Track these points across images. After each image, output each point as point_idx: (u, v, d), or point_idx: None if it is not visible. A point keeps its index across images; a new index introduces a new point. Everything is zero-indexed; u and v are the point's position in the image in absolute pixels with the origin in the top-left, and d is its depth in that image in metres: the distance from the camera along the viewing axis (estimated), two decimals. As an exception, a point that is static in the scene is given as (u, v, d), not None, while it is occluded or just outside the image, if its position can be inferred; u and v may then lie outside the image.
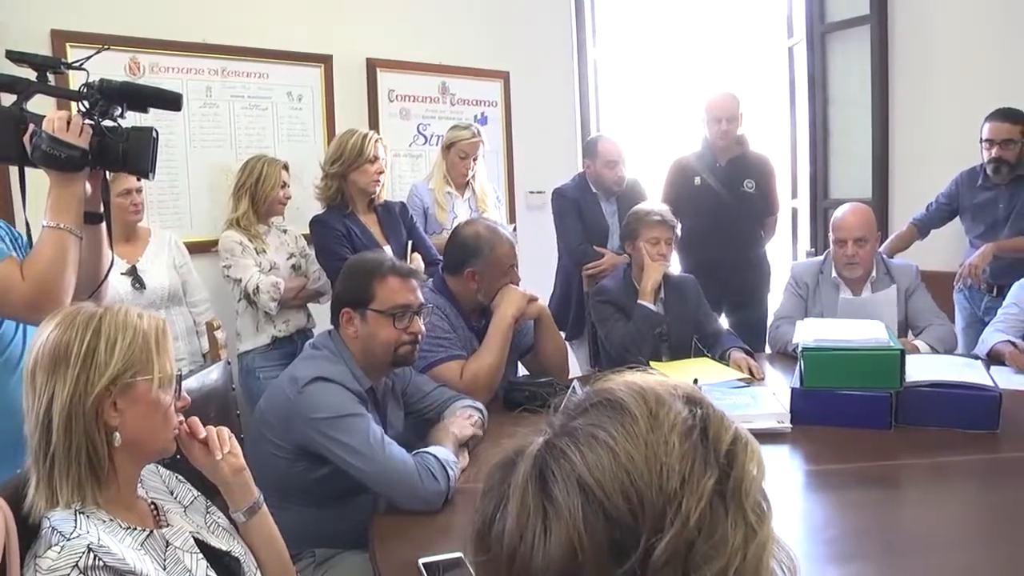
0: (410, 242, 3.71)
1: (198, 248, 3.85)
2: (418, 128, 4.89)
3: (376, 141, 3.61)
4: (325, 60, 4.44)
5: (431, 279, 3.12)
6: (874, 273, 3.49)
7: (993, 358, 3.22)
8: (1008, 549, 1.78)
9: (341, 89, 4.52)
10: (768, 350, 3.64)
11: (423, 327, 2.43)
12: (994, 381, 2.59)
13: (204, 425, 1.62)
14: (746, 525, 0.75)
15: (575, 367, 4.13)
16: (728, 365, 3.18)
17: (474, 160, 4.05)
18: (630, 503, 0.72)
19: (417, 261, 3.67)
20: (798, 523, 2.02)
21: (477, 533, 0.80)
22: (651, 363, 3.23)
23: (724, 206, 4.18)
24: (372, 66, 4.65)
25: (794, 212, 5.55)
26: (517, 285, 3.01)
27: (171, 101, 1.90)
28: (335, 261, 3.43)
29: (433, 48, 4.87)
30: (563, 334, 4.08)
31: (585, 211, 4.21)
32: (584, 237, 4.18)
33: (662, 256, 3.39)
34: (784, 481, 2.24)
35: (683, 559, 0.72)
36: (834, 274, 3.52)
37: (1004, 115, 3.90)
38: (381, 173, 3.63)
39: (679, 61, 6.88)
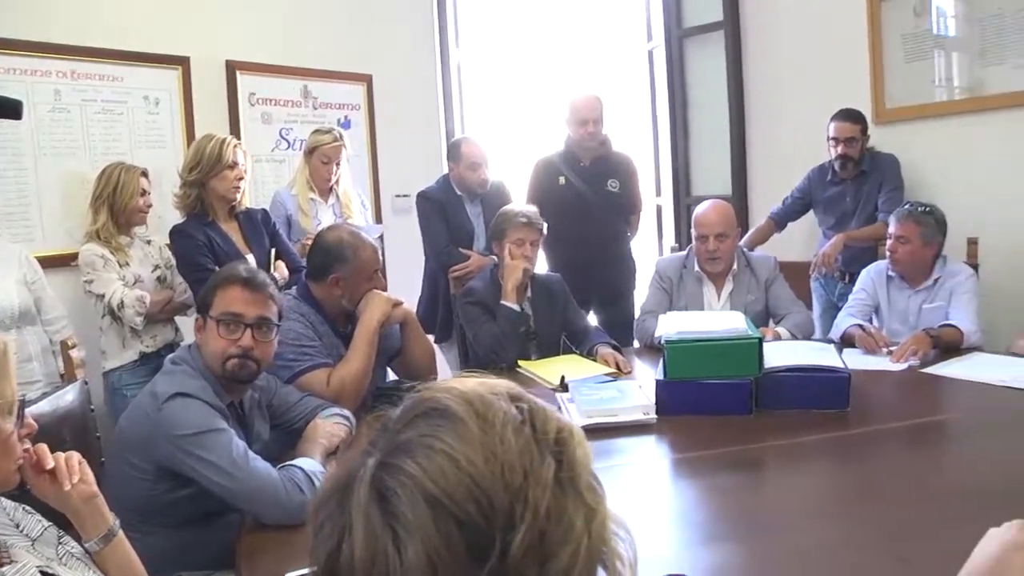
0: (273, 250, 3.63)
1: (52, 263, 3.63)
2: (280, 133, 4.79)
3: (235, 146, 3.51)
4: (182, 62, 4.28)
5: (295, 287, 3.06)
6: (735, 266, 3.61)
7: (845, 341, 3.40)
8: (860, 519, 1.86)
9: (200, 93, 4.37)
10: (636, 344, 3.72)
11: (275, 344, 2.34)
12: (844, 363, 2.71)
13: (56, 451, 1.51)
14: (586, 506, 0.77)
15: (445, 370, 4.12)
16: (596, 361, 3.23)
17: (337, 165, 3.97)
18: (479, 506, 0.72)
19: (281, 269, 3.59)
20: (667, 509, 2.07)
21: (324, 570, 0.77)
22: (520, 362, 3.27)
23: (589, 205, 4.24)
24: (232, 69, 4.52)
25: (658, 209, 5.68)
26: (382, 290, 2.98)
27: (10, 110, 1.79)
28: (196, 272, 3.32)
29: (295, 51, 4.78)
30: (432, 337, 4.07)
31: (450, 213, 4.19)
32: (449, 239, 4.16)
33: (526, 257, 3.41)
34: (651, 470, 2.30)
35: (538, 549, 0.72)
36: (697, 268, 3.62)
37: (846, 115, 4.14)
38: (241, 179, 3.52)
39: (542, 63, 6.96)
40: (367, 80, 5.16)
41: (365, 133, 5.20)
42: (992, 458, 2.13)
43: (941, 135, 4.32)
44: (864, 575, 1.56)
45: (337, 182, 4.04)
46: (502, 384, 0.84)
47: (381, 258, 4.33)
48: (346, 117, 5.08)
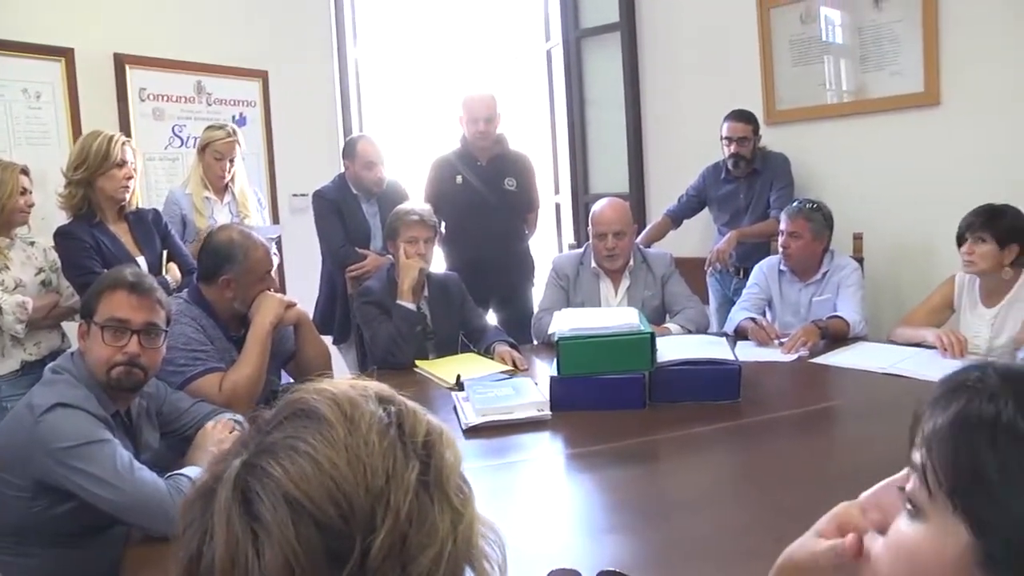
0: (165, 252, 3.53)
1: (-79, 267, 3.45)
2: (173, 130, 4.63)
3: (124, 144, 3.36)
4: (66, 54, 4.07)
5: (186, 290, 2.99)
6: (632, 262, 3.65)
7: (739, 334, 3.49)
8: (752, 504, 1.92)
9: (86, 87, 4.16)
10: (534, 341, 3.74)
11: (164, 351, 2.25)
12: (735, 355, 2.77)
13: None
14: (452, 509, 0.77)
15: (343, 371, 4.07)
16: (493, 359, 3.23)
17: (231, 162, 3.86)
18: (339, 509, 0.71)
19: (174, 271, 3.49)
20: (562, 504, 2.07)
21: (185, 573, 0.75)
22: (417, 361, 3.24)
23: (486, 204, 4.22)
24: (120, 62, 4.33)
25: (557, 207, 5.72)
26: (276, 291, 2.93)
27: None
28: (83, 275, 3.17)
29: (188, 45, 4.61)
30: (330, 338, 4.02)
31: (346, 213, 4.12)
32: (345, 239, 4.10)
33: (421, 255, 3.39)
34: (546, 466, 2.30)
35: (399, 553, 0.72)
36: (593, 265, 3.65)
37: (739, 116, 4.25)
38: (130, 178, 3.38)
39: (441, 62, 6.94)
40: (263, 76, 5.04)
41: (261, 131, 5.08)
42: (874, 441, 2.20)
43: (828, 135, 4.48)
44: (754, 558, 1.59)
45: (232, 180, 3.93)
46: (373, 386, 0.83)
47: (278, 258, 4.29)
48: (241, 114, 4.95)
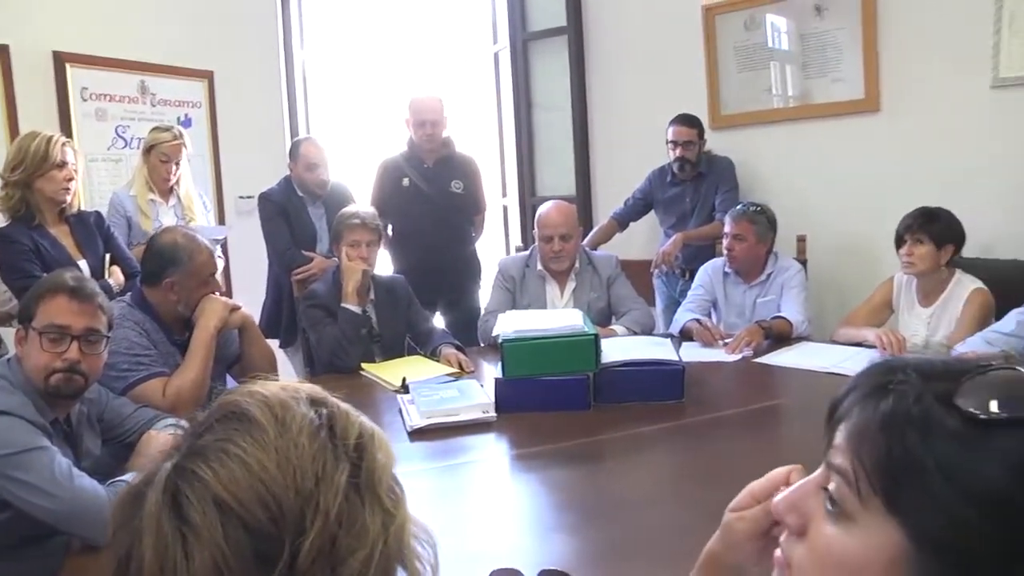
0: (108, 255, 3.47)
1: None
2: (117, 130, 4.54)
3: (63, 144, 3.29)
4: (1, 51, 3.97)
5: (129, 293, 2.94)
6: (578, 265, 3.67)
7: (684, 335, 3.51)
8: (695, 503, 1.91)
9: (24, 85, 4.05)
10: (481, 343, 3.74)
11: (105, 356, 2.20)
12: (679, 356, 2.80)
13: None
14: (383, 511, 0.77)
15: (290, 374, 4.04)
16: (439, 361, 3.23)
17: (177, 164, 3.81)
18: (269, 511, 0.71)
19: (117, 275, 3.43)
20: (507, 504, 2.08)
21: None
22: (363, 364, 3.23)
23: (433, 206, 4.21)
24: (60, 60, 4.23)
25: (504, 209, 5.72)
26: (220, 294, 2.90)
27: None
28: (21, 279, 3.09)
29: (130, 43, 4.52)
30: (276, 341, 3.98)
31: (292, 215, 4.08)
32: (291, 241, 4.06)
33: (363, 258, 3.37)
34: (491, 467, 2.31)
35: (329, 555, 0.72)
36: (539, 267, 3.66)
37: (684, 120, 4.29)
38: (71, 180, 3.31)
39: (389, 64, 6.93)
40: (208, 77, 4.97)
41: (207, 132, 5.00)
42: (816, 439, 2.22)
43: (773, 140, 4.55)
44: (695, 556, 1.62)
45: (178, 182, 3.87)
46: (305, 388, 0.83)
47: (224, 261, 4.25)
48: (187, 115, 4.88)
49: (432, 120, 4.18)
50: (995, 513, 0.61)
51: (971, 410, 0.64)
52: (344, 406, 0.83)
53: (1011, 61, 3.78)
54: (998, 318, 2.95)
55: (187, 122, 4.82)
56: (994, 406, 0.64)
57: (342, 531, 0.73)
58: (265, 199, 4.13)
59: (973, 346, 2.81)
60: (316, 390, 0.84)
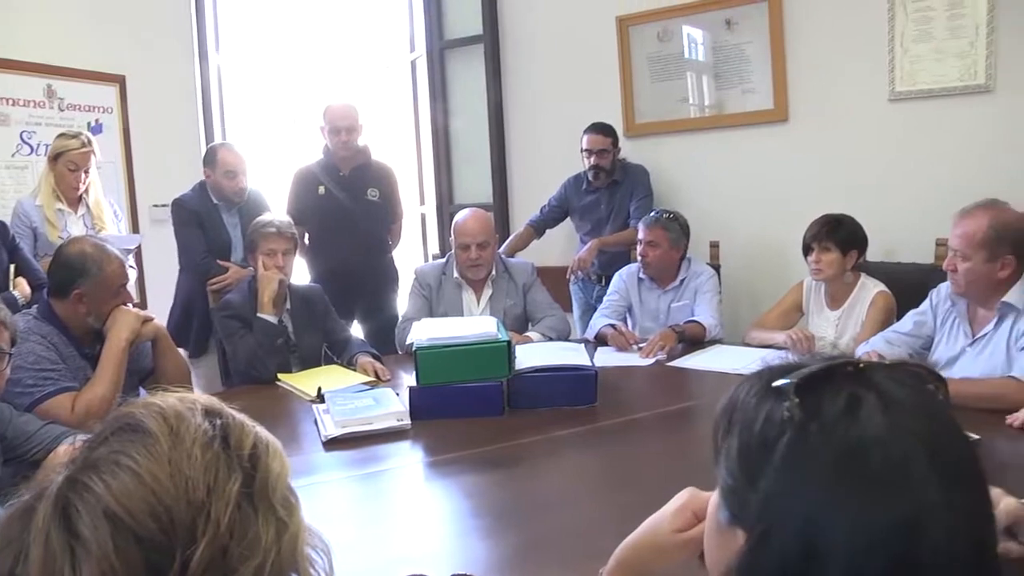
0: (13, 266, 3.38)
1: None
2: (21, 136, 4.42)
3: None
4: None
5: (36, 306, 2.86)
6: (494, 272, 3.69)
7: (600, 340, 3.57)
8: (607, 503, 1.97)
9: None
10: (399, 351, 3.73)
11: (7, 373, 2.12)
12: (593, 361, 2.84)
13: None
14: (277, 520, 0.78)
15: (199, 386, 3.96)
16: (356, 370, 3.22)
17: (86, 172, 3.72)
18: (160, 522, 0.71)
19: (23, 287, 3.34)
20: (421, 510, 2.09)
21: None
22: (279, 375, 3.19)
23: (349, 214, 4.19)
24: (-41, 62, 4.10)
25: (422, 217, 5.72)
26: (131, 306, 2.84)
27: None
28: (-81, 292, 3.03)
29: (36, 45, 4.40)
30: (185, 352, 3.91)
31: (206, 222, 4.00)
32: (206, 250, 3.98)
33: (279, 268, 3.34)
34: (406, 475, 2.30)
35: (220, 564, 0.72)
36: (456, 275, 3.67)
37: (598, 128, 4.36)
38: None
39: (307, 71, 6.88)
40: (120, 81, 4.86)
41: (119, 138, 4.90)
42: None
43: (686, 148, 4.66)
44: (608, 556, 1.64)
45: (87, 191, 3.78)
46: (202, 400, 0.84)
47: (137, 271, 4.15)
48: (97, 120, 4.78)
49: (347, 127, 4.16)
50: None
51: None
52: (240, 417, 0.84)
53: (904, 76, 4.00)
54: (900, 319, 3.06)
55: (97, 128, 4.71)
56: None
57: (233, 541, 0.74)
58: (179, 205, 4.05)
59: (874, 346, 2.93)
60: (213, 401, 0.85)
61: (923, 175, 3.95)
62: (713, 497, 0.84)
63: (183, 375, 3.08)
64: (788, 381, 0.74)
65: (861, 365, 0.76)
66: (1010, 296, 2.57)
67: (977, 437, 2.15)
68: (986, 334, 2.66)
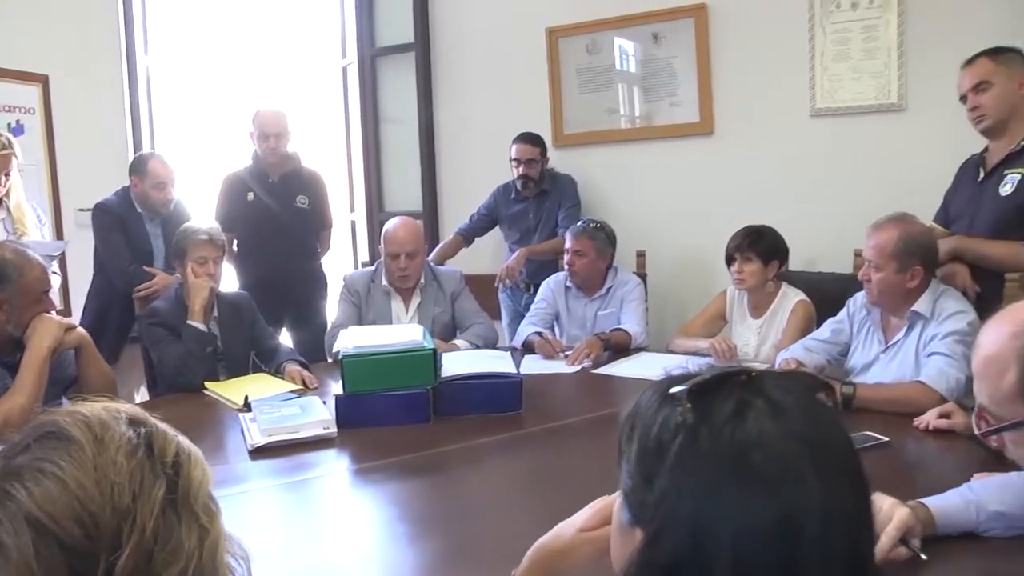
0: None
1: None
2: (-63, 137, 4.30)
3: None
4: None
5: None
6: (423, 280, 3.71)
7: (527, 348, 3.62)
8: (531, 508, 2.02)
9: None
10: (329, 359, 3.73)
11: None
12: (518, 368, 2.89)
13: None
14: (199, 527, 0.80)
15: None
16: (284, 378, 3.20)
17: (7, 175, 3.63)
18: (84, 528, 0.72)
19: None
20: (347, 519, 2.11)
21: None
22: (206, 383, 3.17)
23: (278, 221, 4.19)
24: None
25: (352, 225, 5.70)
26: (54, 313, 2.80)
27: None
28: None
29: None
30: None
31: (129, 230, 3.96)
32: (131, 257, 3.94)
33: (209, 275, 3.32)
34: (332, 482, 2.31)
35: (145, 569, 0.74)
36: (385, 283, 3.68)
37: (526, 138, 4.42)
38: None
39: (237, 75, 6.80)
40: (43, 81, 4.72)
41: (42, 141, 4.75)
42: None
43: (614, 159, 4.74)
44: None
45: (7, 194, 3.69)
46: (125, 408, 0.86)
47: (61, 278, 4.07)
48: (18, 122, 4.64)
49: (276, 133, 4.16)
50: None
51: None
52: (163, 426, 0.86)
53: (824, 93, 4.15)
54: (819, 326, 3.17)
55: (18, 129, 4.58)
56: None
57: (158, 546, 0.75)
58: (102, 211, 3.99)
59: (794, 353, 3.02)
60: (136, 410, 0.86)
61: (842, 188, 4.10)
62: (617, 499, 0.89)
63: (108, 384, 3.01)
64: (682, 388, 0.80)
65: (753, 374, 0.82)
66: (918, 305, 2.71)
67: (886, 439, 2.27)
68: (898, 341, 2.78)
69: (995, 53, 2.96)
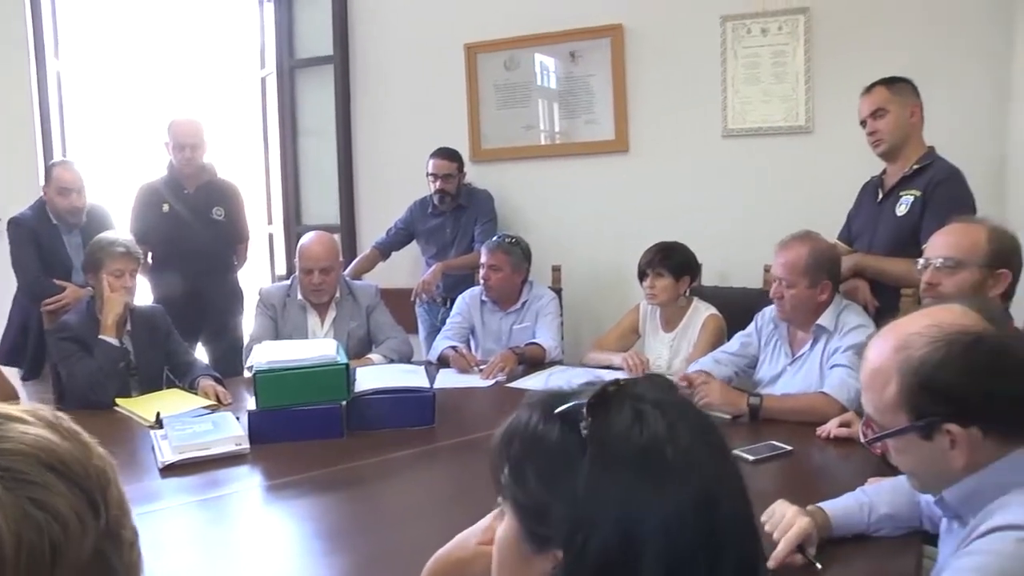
0: None
1: None
2: None
3: None
4: None
5: None
6: (338, 294, 3.73)
7: (442, 362, 3.66)
8: (444, 520, 2.02)
9: None
10: (246, 373, 3.71)
11: None
12: (432, 383, 2.93)
13: None
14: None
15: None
16: (198, 394, 3.18)
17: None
18: None
19: None
20: (260, 535, 2.12)
21: None
22: (117, 400, 3.12)
23: (194, 233, 4.15)
24: None
25: (270, 237, 5.65)
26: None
27: None
28: None
29: None
30: (19, 373, 3.79)
31: (44, 242, 3.90)
32: (41, 269, 3.86)
33: (126, 288, 3.28)
34: (244, 499, 2.32)
35: None
36: (300, 297, 3.69)
37: (443, 153, 4.48)
38: None
39: (153, 84, 6.68)
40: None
41: (-53, 150, 4.63)
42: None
43: (530, 175, 4.82)
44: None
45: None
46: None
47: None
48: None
49: (191, 144, 4.13)
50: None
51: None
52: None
53: (735, 115, 4.32)
54: (730, 339, 3.29)
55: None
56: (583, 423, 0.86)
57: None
58: (15, 224, 3.92)
59: (703, 365, 3.13)
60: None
61: (752, 206, 4.25)
62: (501, 532, 0.95)
63: (6, 396, 2.96)
64: (575, 404, 0.88)
65: (621, 382, 0.91)
66: (823, 319, 2.85)
67: (790, 448, 2.39)
68: (803, 354, 2.93)
69: (890, 83, 3.16)
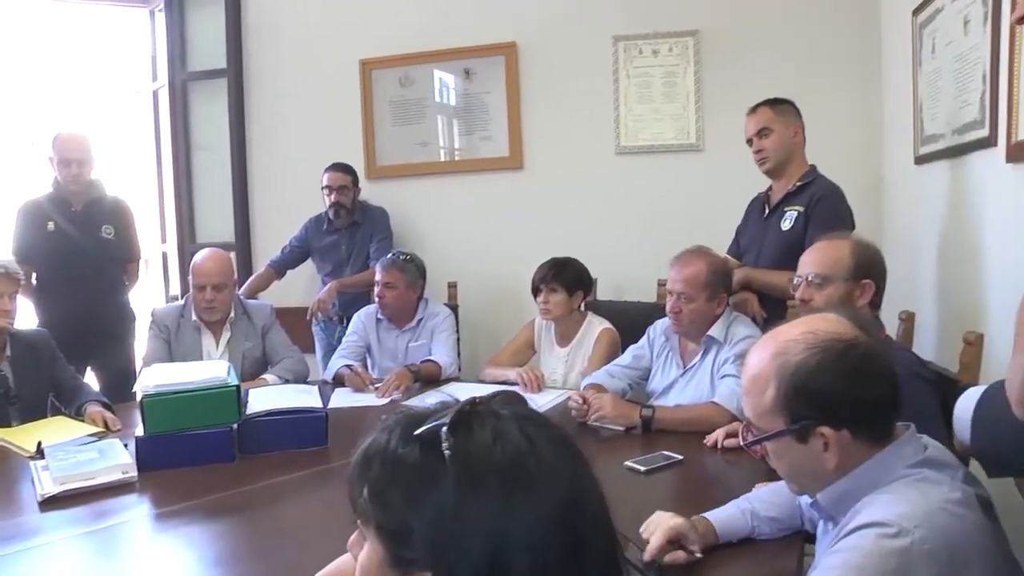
0: None
1: None
2: None
3: None
4: None
5: None
6: (232, 314, 3.69)
7: (337, 381, 3.65)
8: (334, 541, 2.03)
9: None
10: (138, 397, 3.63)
11: None
12: (327, 402, 2.92)
13: None
14: None
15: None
16: (84, 421, 3.08)
17: None
18: None
19: None
20: (149, 565, 2.07)
21: None
22: (-1, 429, 3.03)
23: (82, 253, 4.05)
24: None
25: (164, 256, 5.55)
26: None
27: None
28: None
29: None
30: None
31: None
32: None
33: (4, 312, 3.16)
34: (132, 529, 2.25)
35: None
36: (194, 317, 3.65)
37: (338, 167, 4.50)
38: None
39: (38, 95, 6.48)
40: None
41: None
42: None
43: (426, 191, 4.88)
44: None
45: None
46: None
47: None
48: None
49: (78, 159, 4.03)
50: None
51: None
52: None
53: (628, 133, 4.48)
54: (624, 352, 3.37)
55: None
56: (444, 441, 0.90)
57: None
58: None
59: (597, 378, 3.21)
60: None
61: (645, 221, 4.41)
62: (364, 557, 0.98)
63: None
64: (435, 424, 0.92)
65: (477, 400, 0.96)
66: (713, 330, 2.97)
67: (681, 457, 2.47)
68: (694, 365, 3.04)
69: (774, 104, 3.33)
